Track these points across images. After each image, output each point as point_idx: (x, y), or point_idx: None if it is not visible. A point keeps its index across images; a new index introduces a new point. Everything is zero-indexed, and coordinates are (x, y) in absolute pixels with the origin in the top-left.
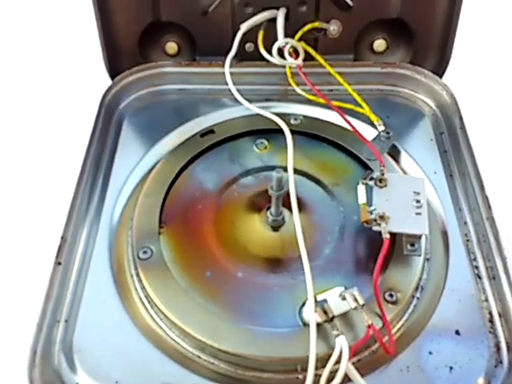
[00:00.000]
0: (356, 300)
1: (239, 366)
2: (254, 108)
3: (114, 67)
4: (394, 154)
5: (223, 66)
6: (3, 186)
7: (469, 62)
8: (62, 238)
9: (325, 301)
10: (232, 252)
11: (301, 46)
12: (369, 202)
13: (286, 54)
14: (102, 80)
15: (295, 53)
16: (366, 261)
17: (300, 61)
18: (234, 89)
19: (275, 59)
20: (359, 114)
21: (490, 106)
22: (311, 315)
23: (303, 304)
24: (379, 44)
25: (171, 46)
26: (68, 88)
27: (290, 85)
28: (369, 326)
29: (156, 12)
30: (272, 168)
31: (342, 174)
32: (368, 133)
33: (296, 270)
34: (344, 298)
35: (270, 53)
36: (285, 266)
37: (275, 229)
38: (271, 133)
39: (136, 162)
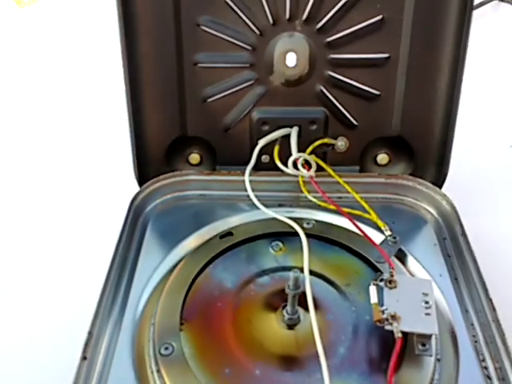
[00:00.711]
0: None
1: None
2: (270, 212)
3: (143, 174)
4: (401, 257)
5: (241, 174)
6: (35, 279)
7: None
8: (89, 333)
9: None
10: (249, 349)
11: (313, 160)
12: (380, 302)
13: (300, 166)
14: (129, 185)
15: (307, 164)
16: (379, 360)
17: (312, 172)
18: (252, 195)
19: (290, 170)
20: (367, 219)
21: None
22: None
23: None
24: (382, 158)
25: (194, 157)
26: (100, 192)
27: (302, 192)
28: None
29: (183, 128)
30: (287, 268)
31: (353, 276)
32: (376, 237)
33: (311, 367)
34: None
35: (284, 164)
36: (301, 364)
37: (291, 327)
38: (286, 235)
39: (159, 262)
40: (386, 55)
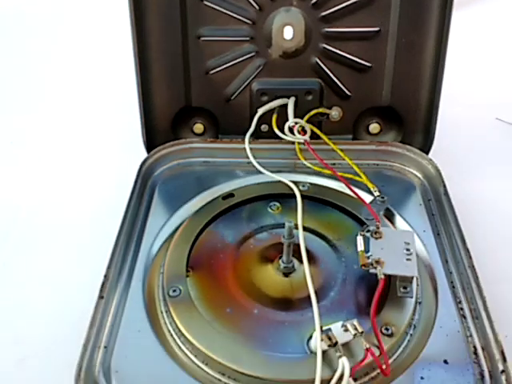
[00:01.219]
0: (356, 328)
1: None
2: (268, 173)
3: (151, 142)
4: (389, 216)
5: (242, 142)
6: (50, 229)
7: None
8: (104, 276)
9: (329, 329)
10: (249, 293)
11: (308, 126)
12: (366, 250)
13: (296, 132)
14: (139, 152)
15: (303, 131)
16: (365, 301)
17: (307, 136)
18: (252, 158)
19: (288, 136)
20: (358, 182)
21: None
22: (318, 340)
23: (310, 337)
24: (374, 127)
25: (198, 127)
26: (109, 157)
27: (299, 159)
28: (367, 349)
29: (188, 99)
30: (283, 225)
31: (344, 232)
32: (366, 198)
33: (304, 308)
34: (346, 329)
35: (282, 132)
36: (295, 306)
37: (286, 275)
38: (283, 197)
39: (166, 220)
40: (376, 29)
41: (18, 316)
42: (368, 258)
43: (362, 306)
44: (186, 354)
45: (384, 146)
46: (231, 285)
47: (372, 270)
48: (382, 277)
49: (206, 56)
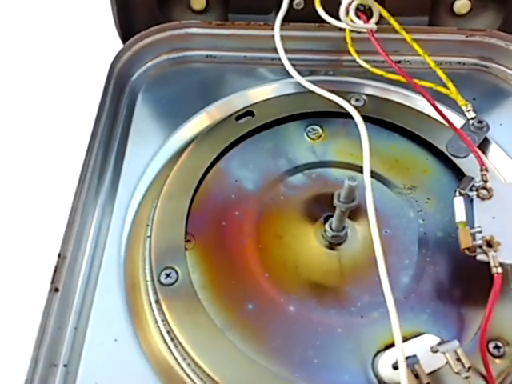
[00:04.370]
0: (459, 360)
1: None
2: (306, 83)
3: (127, 27)
4: (483, 148)
5: (265, 27)
6: None
7: None
8: (58, 255)
9: (415, 358)
10: (280, 277)
11: (376, 5)
12: (469, 221)
13: (353, 14)
14: (112, 45)
15: (364, 14)
16: (457, 295)
17: (373, 24)
18: (284, 56)
19: (342, 22)
20: (439, 94)
21: None
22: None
23: (378, 352)
24: (461, 5)
25: (198, 0)
26: (71, 55)
27: (347, 53)
28: None
29: None
30: (328, 164)
31: (419, 175)
32: (453, 120)
33: (365, 304)
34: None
35: (327, 12)
36: (349, 299)
37: (332, 246)
38: (325, 116)
39: (154, 152)
40: None
41: None
42: (474, 236)
43: (452, 301)
44: (190, 379)
45: (478, 35)
46: (253, 263)
47: (481, 257)
48: (499, 271)
49: None
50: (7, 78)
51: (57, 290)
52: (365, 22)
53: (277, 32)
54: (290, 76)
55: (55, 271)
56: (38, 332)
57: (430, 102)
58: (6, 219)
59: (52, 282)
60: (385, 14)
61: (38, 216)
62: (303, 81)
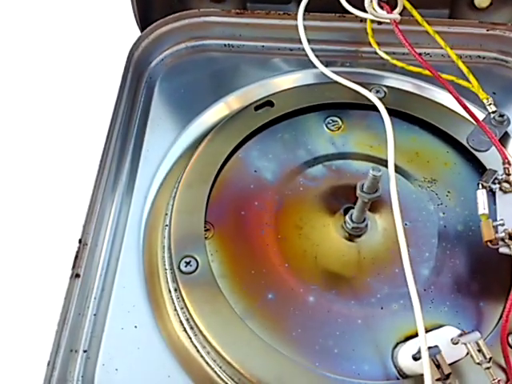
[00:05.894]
0: (481, 351)
1: None
2: (329, 73)
3: (145, 15)
4: (503, 142)
5: (286, 16)
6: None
7: None
8: (79, 241)
9: (436, 348)
10: (300, 268)
11: None
12: (491, 214)
13: (376, 5)
14: (131, 33)
15: (387, 4)
16: (477, 288)
17: (397, 14)
18: (307, 46)
19: (365, 13)
20: (460, 87)
21: None
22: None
23: (397, 343)
24: None
25: None
26: (89, 44)
27: (367, 44)
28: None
29: None
30: (348, 155)
31: (439, 168)
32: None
33: (385, 295)
34: (456, 342)
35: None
36: (369, 290)
37: (352, 238)
38: (345, 108)
39: (172, 141)
40: None
41: None
42: (496, 228)
43: (471, 293)
44: (206, 362)
45: (499, 29)
46: (273, 253)
47: (503, 250)
48: None
49: None
50: (27, 68)
51: (78, 275)
52: (388, 13)
53: (300, 21)
54: (308, 66)
55: (76, 256)
56: (60, 316)
57: (454, 96)
58: (29, 208)
59: (73, 267)
60: (408, 5)
61: (60, 203)
62: (327, 71)
